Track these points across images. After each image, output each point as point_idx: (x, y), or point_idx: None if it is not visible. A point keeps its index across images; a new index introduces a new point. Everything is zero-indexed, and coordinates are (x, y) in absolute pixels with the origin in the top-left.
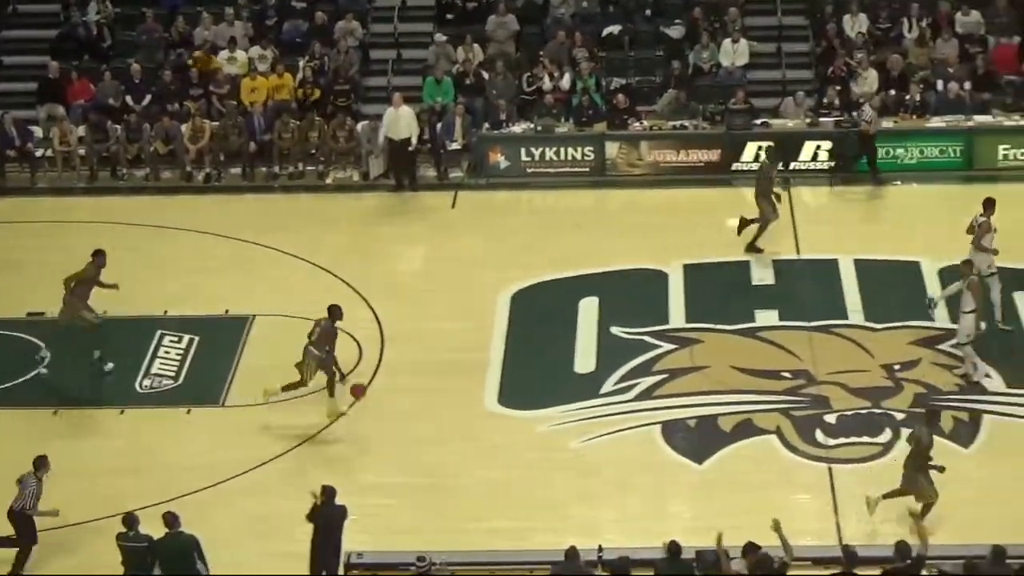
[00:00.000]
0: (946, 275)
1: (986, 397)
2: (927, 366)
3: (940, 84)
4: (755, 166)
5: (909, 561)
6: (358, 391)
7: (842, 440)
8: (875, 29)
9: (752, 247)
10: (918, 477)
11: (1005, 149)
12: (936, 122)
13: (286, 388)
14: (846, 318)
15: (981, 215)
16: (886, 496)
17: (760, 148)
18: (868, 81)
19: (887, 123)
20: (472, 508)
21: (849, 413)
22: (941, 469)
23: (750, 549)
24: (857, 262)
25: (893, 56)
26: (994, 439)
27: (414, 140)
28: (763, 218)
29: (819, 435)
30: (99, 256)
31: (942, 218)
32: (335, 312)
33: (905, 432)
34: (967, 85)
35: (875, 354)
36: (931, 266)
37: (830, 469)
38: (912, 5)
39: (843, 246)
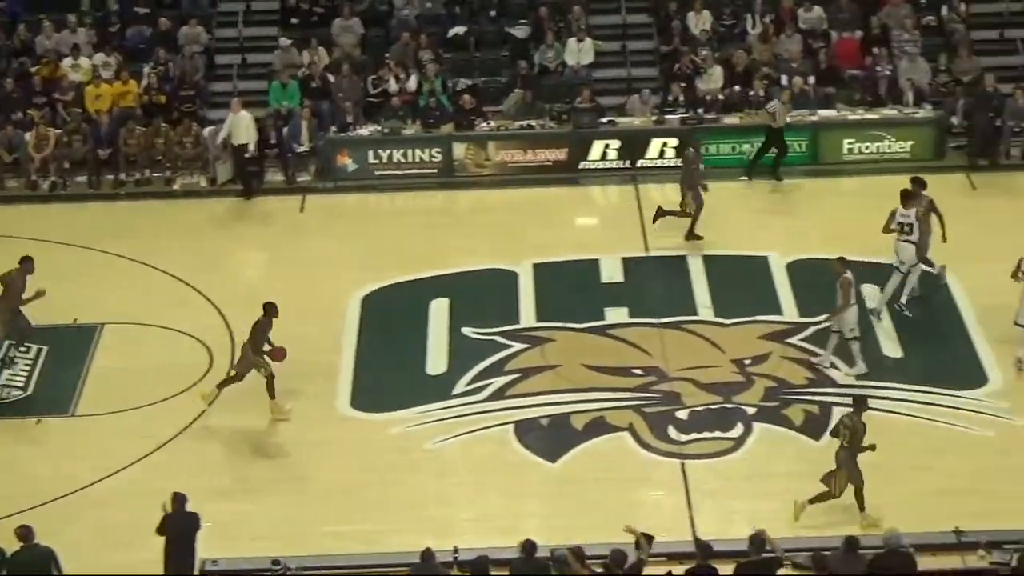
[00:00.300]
0: (795, 269)
1: (835, 389)
2: (777, 360)
3: (784, 79)
4: (603, 162)
5: (765, 554)
6: (278, 354)
7: (694, 436)
8: (719, 26)
9: (691, 235)
10: (853, 467)
11: (850, 143)
12: None
13: (221, 385)
14: (696, 314)
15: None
16: (812, 501)
17: (606, 146)
18: (713, 78)
19: (730, 119)
20: (327, 511)
21: (701, 409)
22: (872, 448)
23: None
24: (706, 258)
25: (737, 52)
26: None
27: (251, 146)
28: (694, 206)
29: (671, 431)
30: (26, 263)
31: (789, 212)
32: (270, 309)
33: (757, 426)
34: (811, 80)
35: (725, 349)
36: (779, 260)
37: (683, 465)
38: (755, 1)
39: (692, 242)
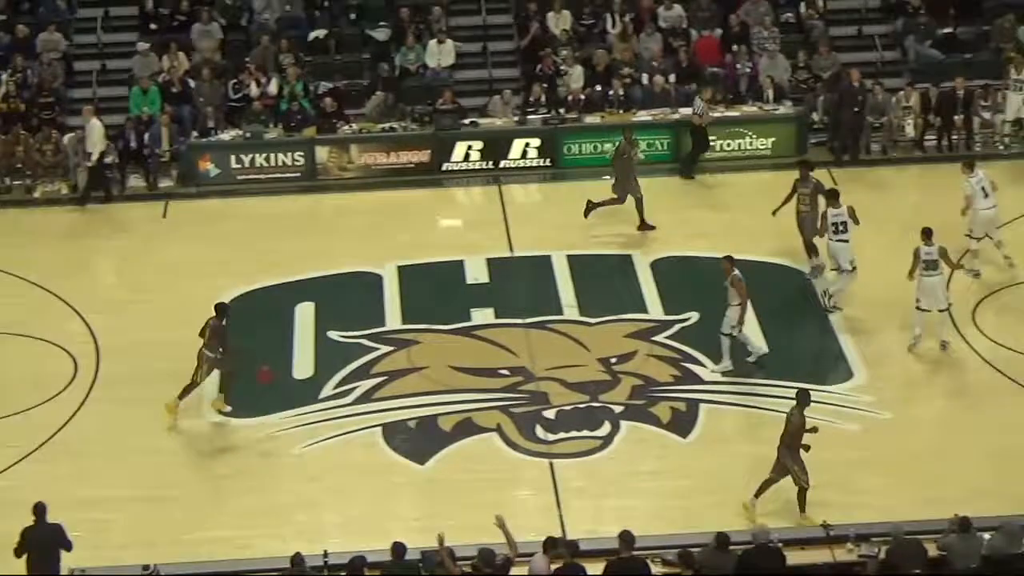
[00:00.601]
0: (659, 267)
1: (702, 387)
2: (643, 358)
3: (645, 78)
4: (466, 163)
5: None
6: (266, 377)
7: (562, 435)
8: (579, 25)
9: (644, 226)
10: (788, 462)
11: (712, 140)
12: (643, 116)
13: (182, 395)
14: (561, 314)
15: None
16: (758, 493)
17: (469, 147)
18: (574, 77)
19: (591, 119)
20: (195, 518)
21: (568, 408)
22: (807, 448)
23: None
24: (570, 257)
25: (598, 52)
26: (711, 428)
27: (95, 155)
28: (632, 196)
29: (539, 431)
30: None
31: (652, 211)
32: (222, 309)
33: (624, 424)
34: (672, 78)
35: (591, 348)
36: (643, 259)
37: (551, 464)
38: (615, 1)
39: (556, 242)
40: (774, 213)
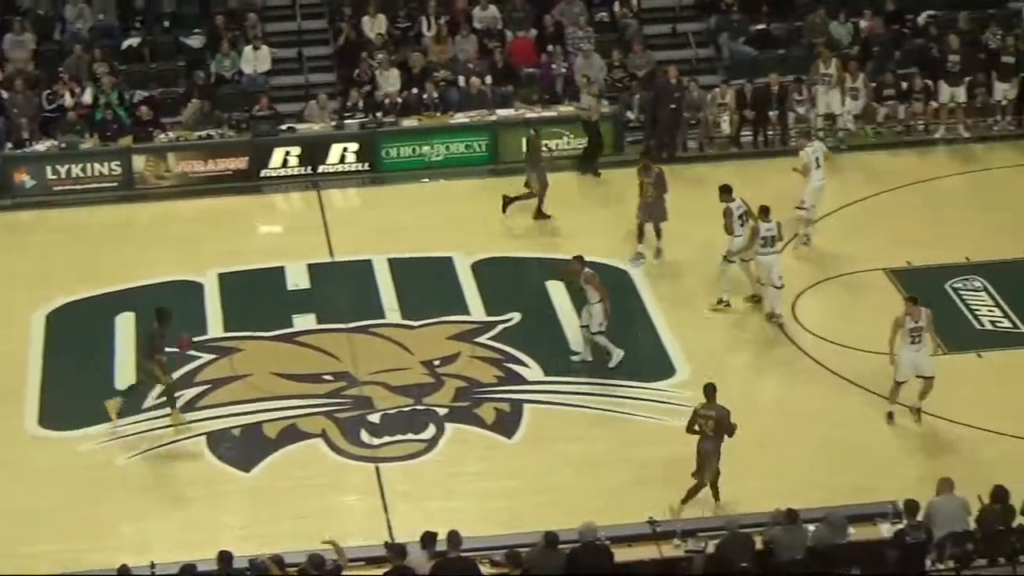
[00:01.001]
0: (479, 268)
1: (525, 387)
2: (466, 360)
3: (461, 80)
4: (285, 169)
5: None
6: (186, 345)
7: (387, 439)
8: (394, 28)
9: (540, 215)
10: (712, 458)
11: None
12: (460, 118)
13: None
14: (383, 317)
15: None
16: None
17: (287, 153)
18: (390, 80)
19: (409, 122)
20: (19, 532)
21: (392, 411)
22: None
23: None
24: (391, 261)
25: (413, 55)
26: (536, 427)
27: None
28: (538, 186)
29: (364, 435)
30: None
31: (472, 213)
32: (163, 316)
33: (449, 427)
34: (488, 80)
35: (414, 351)
36: (464, 261)
37: (377, 468)
38: (429, 3)
39: (376, 246)
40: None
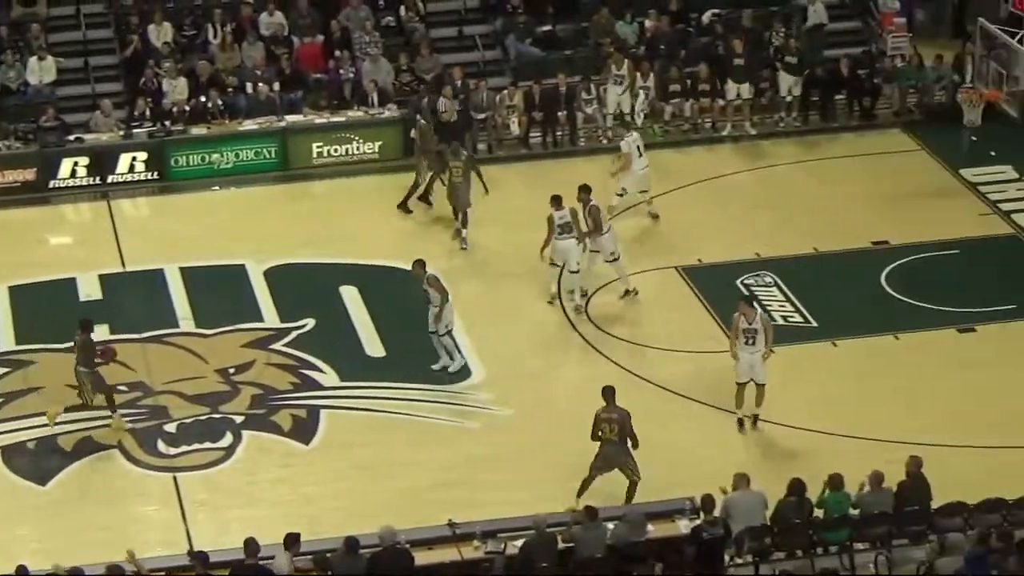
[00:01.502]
0: (272, 275)
1: (321, 392)
2: (261, 367)
3: (249, 87)
4: (73, 180)
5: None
6: (107, 354)
7: (184, 448)
8: (180, 37)
9: (404, 207)
10: (621, 459)
11: (318, 147)
12: (249, 125)
13: (69, 409)
14: (177, 326)
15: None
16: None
17: (75, 164)
18: (178, 89)
19: (197, 130)
20: None
21: (189, 421)
22: (635, 443)
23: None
24: (183, 270)
25: (200, 62)
26: (333, 433)
27: None
28: (429, 175)
29: (161, 445)
30: None
31: (263, 220)
32: (86, 325)
33: (246, 434)
34: (276, 86)
35: (209, 360)
36: (256, 268)
37: (175, 478)
38: (215, 11)
39: (168, 255)
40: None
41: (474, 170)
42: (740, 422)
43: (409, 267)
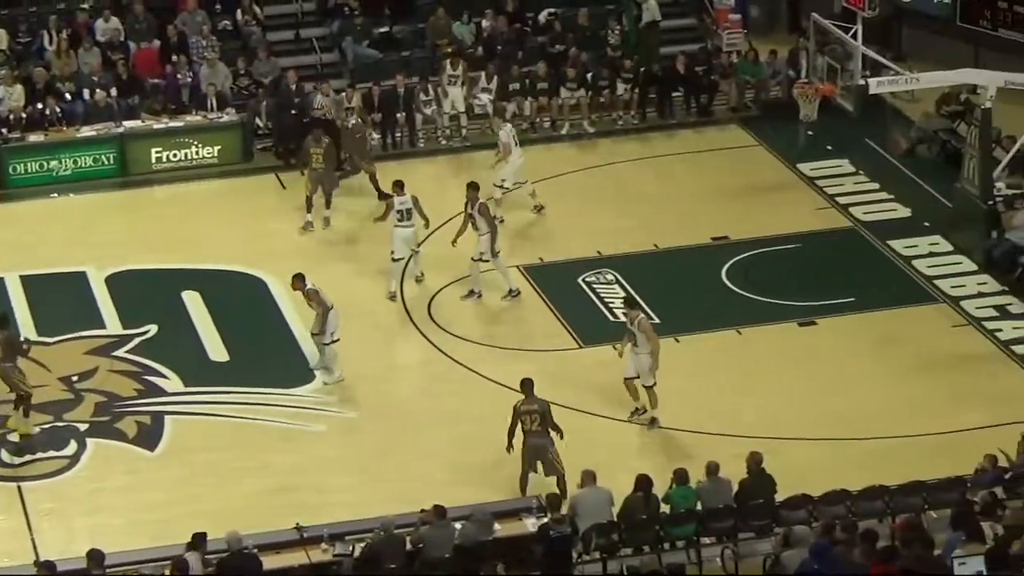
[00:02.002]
0: (113, 282)
1: (165, 398)
2: (105, 374)
3: (86, 93)
4: None
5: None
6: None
7: (28, 457)
8: (15, 43)
9: (382, 195)
10: (546, 454)
11: (157, 152)
12: (87, 131)
13: (17, 406)
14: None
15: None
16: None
17: None
18: (14, 96)
19: (35, 137)
20: None
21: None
22: (560, 435)
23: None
24: (24, 278)
25: (37, 69)
26: (178, 439)
27: None
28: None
29: (4, 455)
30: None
31: (103, 226)
32: (4, 322)
33: (90, 442)
34: (113, 92)
35: (52, 368)
36: (97, 275)
37: (19, 487)
38: (50, 17)
39: (7, 263)
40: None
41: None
42: (653, 421)
43: (249, 272)
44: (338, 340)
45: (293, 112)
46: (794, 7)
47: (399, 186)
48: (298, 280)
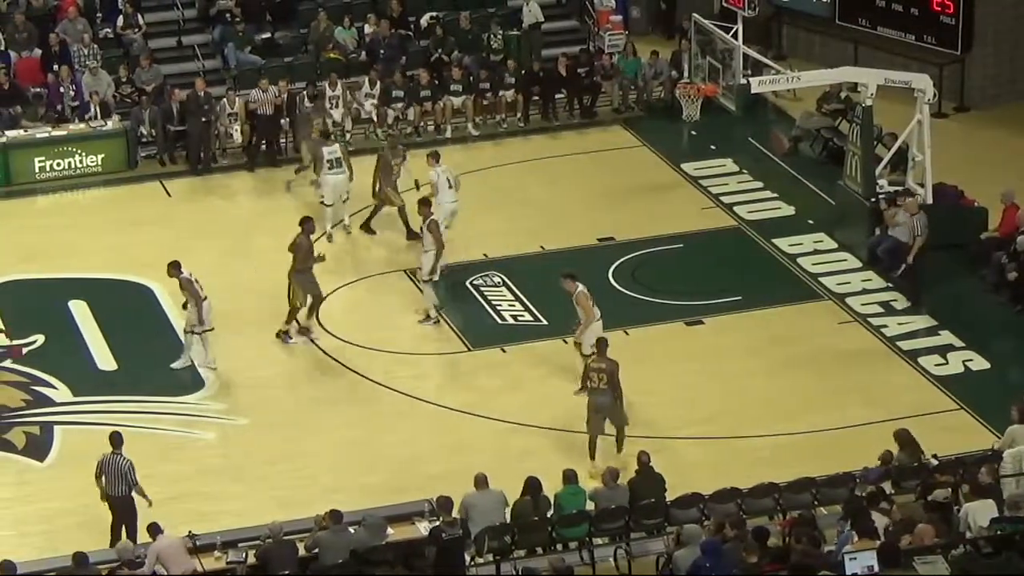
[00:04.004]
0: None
1: (54, 408)
2: None
3: None
4: None
5: None
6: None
7: None
8: None
9: (367, 226)
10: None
11: (41, 161)
12: None
13: None
14: None
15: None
16: None
17: None
18: None
19: None
20: None
21: None
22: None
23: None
24: None
25: None
26: (67, 448)
27: None
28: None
29: None
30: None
31: None
32: None
33: None
34: None
35: None
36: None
37: None
38: None
39: None
40: None
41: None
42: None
43: (136, 280)
44: (212, 329)
45: (204, 120)
46: (671, 7)
47: (326, 135)
48: (173, 268)
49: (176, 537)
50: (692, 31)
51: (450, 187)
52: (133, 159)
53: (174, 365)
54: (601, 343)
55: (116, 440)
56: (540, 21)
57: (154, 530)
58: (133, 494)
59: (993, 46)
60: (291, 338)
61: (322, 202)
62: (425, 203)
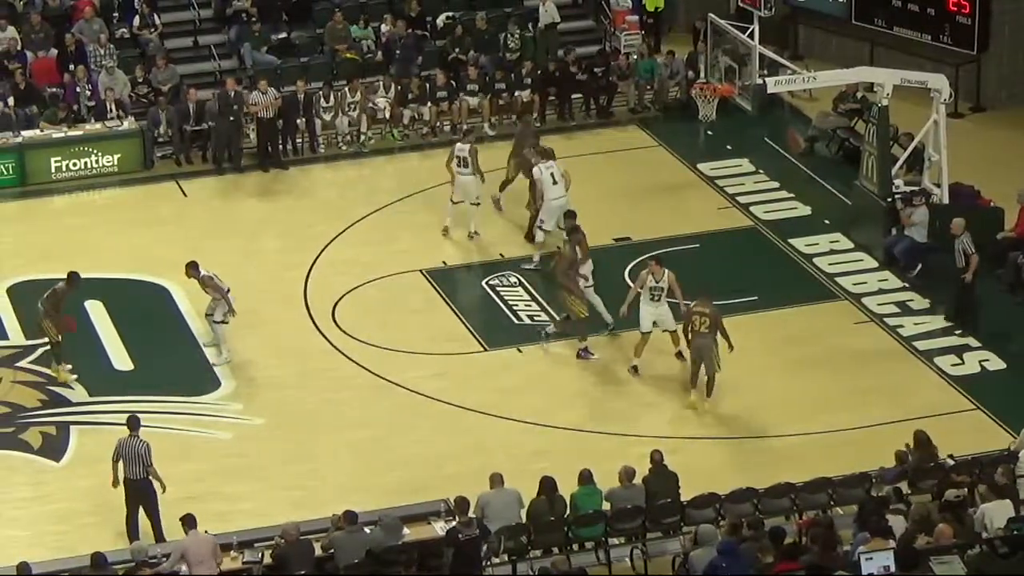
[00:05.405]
0: (15, 292)
1: (71, 409)
2: (8, 385)
3: None
4: None
5: None
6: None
7: None
8: None
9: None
10: (709, 353)
11: (57, 161)
12: None
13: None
14: None
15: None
16: None
17: None
18: None
19: None
20: None
21: None
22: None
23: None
24: None
25: None
26: (83, 448)
27: None
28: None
29: None
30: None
31: (4, 236)
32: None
33: None
34: (11, 101)
35: None
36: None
37: None
38: None
39: None
40: None
41: None
42: (634, 368)
43: (151, 280)
44: (227, 322)
45: (232, 120)
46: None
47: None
48: (192, 268)
49: (208, 536)
50: (708, 31)
51: (554, 183)
52: (149, 159)
53: (215, 361)
54: (705, 288)
55: (133, 423)
56: (556, 21)
57: (188, 523)
58: (150, 478)
59: (1009, 46)
60: (592, 354)
61: (452, 199)
62: (569, 215)
